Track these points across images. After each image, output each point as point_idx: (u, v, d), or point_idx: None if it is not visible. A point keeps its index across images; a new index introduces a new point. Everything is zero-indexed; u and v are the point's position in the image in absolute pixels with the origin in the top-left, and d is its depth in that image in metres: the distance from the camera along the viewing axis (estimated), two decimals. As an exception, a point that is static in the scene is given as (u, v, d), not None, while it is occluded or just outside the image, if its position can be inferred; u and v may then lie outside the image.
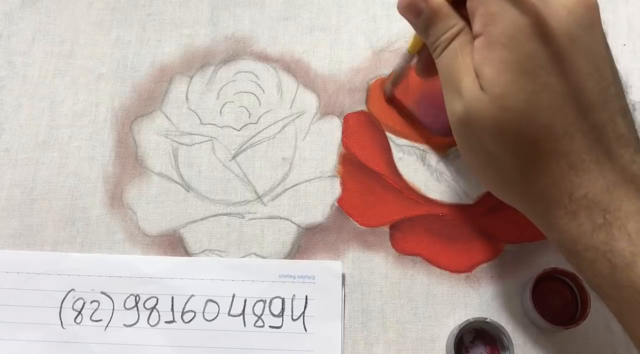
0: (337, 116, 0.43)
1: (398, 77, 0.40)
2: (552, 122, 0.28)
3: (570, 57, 0.28)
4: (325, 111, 0.43)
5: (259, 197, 0.41)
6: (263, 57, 0.44)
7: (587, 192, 0.28)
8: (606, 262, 0.27)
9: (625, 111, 0.29)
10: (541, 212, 0.30)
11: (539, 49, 0.28)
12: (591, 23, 0.28)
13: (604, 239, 0.27)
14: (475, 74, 0.29)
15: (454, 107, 0.31)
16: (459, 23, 0.31)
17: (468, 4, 0.30)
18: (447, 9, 0.32)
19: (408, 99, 0.42)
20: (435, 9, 0.32)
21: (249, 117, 0.43)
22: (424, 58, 0.37)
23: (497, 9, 0.28)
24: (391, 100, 0.43)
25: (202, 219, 0.40)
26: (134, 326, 0.37)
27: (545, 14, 0.28)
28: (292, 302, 0.37)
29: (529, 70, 0.28)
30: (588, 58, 0.28)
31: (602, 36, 0.29)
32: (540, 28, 0.28)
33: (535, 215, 0.31)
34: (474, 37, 0.30)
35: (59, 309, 0.37)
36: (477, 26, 0.29)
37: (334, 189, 0.41)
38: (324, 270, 0.38)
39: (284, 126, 0.42)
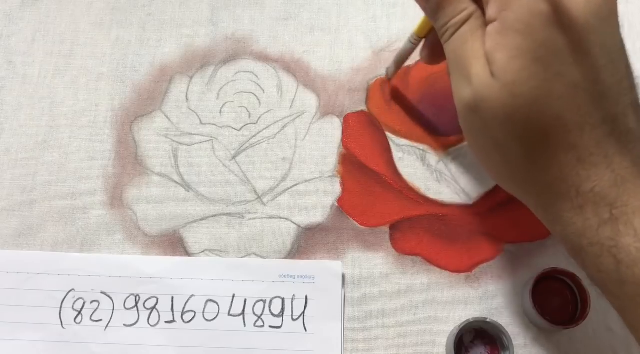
0: (337, 116, 0.43)
1: (401, 58, 0.40)
2: (563, 113, 0.28)
3: (586, 47, 0.27)
4: (325, 111, 0.43)
5: (259, 197, 0.41)
6: (263, 57, 0.44)
7: (595, 186, 0.28)
8: (611, 258, 0.27)
9: (636, 105, 0.28)
10: (546, 205, 0.30)
11: (555, 37, 0.27)
12: (608, 14, 0.28)
13: (610, 234, 0.27)
14: (485, 60, 0.29)
15: (462, 94, 0.30)
16: (470, 7, 0.30)
17: None
18: None
19: (409, 99, 0.42)
20: None
21: (249, 117, 0.43)
22: (430, 43, 0.36)
23: None
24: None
25: (202, 219, 0.40)
26: (134, 326, 0.37)
27: (564, 2, 0.27)
28: (292, 302, 0.37)
29: (543, 58, 0.27)
30: (603, 49, 0.27)
31: (618, 29, 0.28)
32: (558, 16, 0.27)
33: (540, 208, 0.31)
34: (487, 23, 0.29)
35: (59, 309, 0.37)
36: (491, 11, 0.29)
37: (334, 189, 0.41)
38: (324, 270, 0.38)
39: (284, 126, 0.42)
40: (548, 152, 0.28)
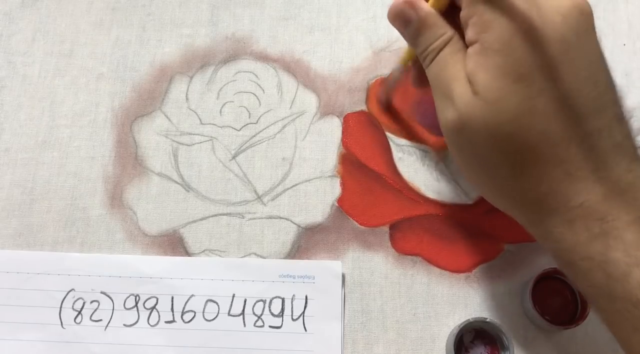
0: (337, 116, 0.43)
1: (391, 89, 0.40)
2: (547, 128, 0.28)
3: (564, 62, 0.28)
4: (325, 111, 0.43)
5: (259, 197, 0.41)
6: (263, 57, 0.44)
7: (584, 201, 0.28)
8: (601, 272, 0.27)
9: (621, 118, 0.28)
10: (536, 221, 0.30)
11: (534, 55, 0.28)
12: (585, 29, 0.28)
13: (600, 249, 0.27)
14: (467, 81, 0.29)
15: (447, 115, 0.31)
16: (448, 31, 0.31)
17: (462, 13, 0.30)
18: (436, 18, 0.31)
19: (407, 100, 0.42)
20: (424, 17, 0.31)
21: (249, 117, 0.43)
22: (417, 68, 0.36)
23: (490, 16, 0.28)
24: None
25: (202, 219, 0.40)
26: (134, 326, 0.37)
27: (539, 21, 0.28)
28: (292, 302, 0.37)
29: (524, 76, 0.28)
30: (582, 64, 0.28)
31: (597, 42, 0.29)
32: (534, 34, 0.27)
33: (530, 223, 0.31)
34: (468, 45, 0.30)
35: (59, 309, 0.37)
36: (470, 34, 0.29)
37: (334, 189, 0.41)
38: (324, 270, 0.38)
39: (284, 126, 0.42)
40: (536, 167, 0.29)
